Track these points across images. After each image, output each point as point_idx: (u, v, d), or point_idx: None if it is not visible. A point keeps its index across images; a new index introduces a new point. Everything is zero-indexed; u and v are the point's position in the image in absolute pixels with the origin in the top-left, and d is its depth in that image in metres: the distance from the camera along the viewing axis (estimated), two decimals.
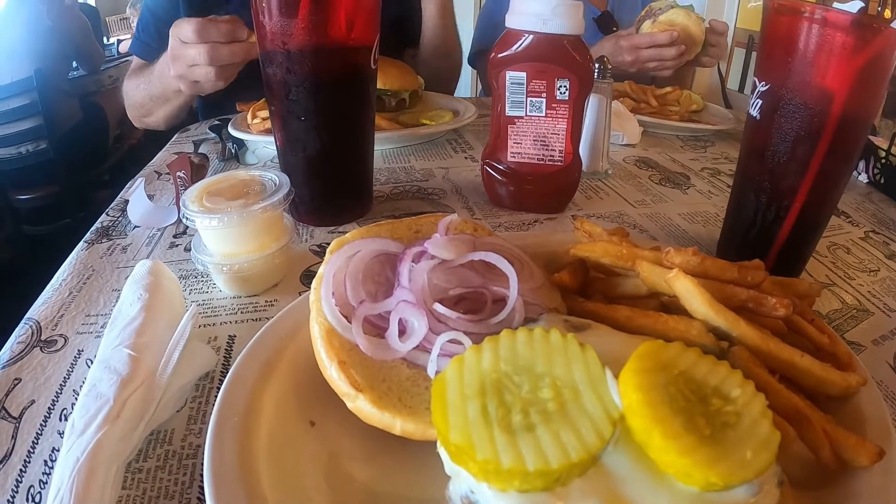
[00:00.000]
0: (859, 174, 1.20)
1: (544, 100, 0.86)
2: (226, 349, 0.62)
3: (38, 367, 0.59)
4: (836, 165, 0.66)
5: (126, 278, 0.64)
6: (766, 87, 0.67)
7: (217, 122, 1.34)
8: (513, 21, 0.84)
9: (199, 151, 1.23)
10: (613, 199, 1.05)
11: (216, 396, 0.47)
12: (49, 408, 0.54)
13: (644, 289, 0.53)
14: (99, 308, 0.69)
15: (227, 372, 0.50)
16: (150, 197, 0.99)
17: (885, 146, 1.13)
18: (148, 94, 1.44)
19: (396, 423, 0.43)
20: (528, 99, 0.87)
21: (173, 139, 1.40)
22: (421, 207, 0.98)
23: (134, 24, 5.53)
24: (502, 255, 0.52)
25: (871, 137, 1.16)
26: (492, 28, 1.96)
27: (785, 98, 0.65)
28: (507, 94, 0.87)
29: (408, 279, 0.50)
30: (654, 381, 0.35)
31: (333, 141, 0.83)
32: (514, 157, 0.92)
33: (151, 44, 1.52)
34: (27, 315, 0.68)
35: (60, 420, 0.53)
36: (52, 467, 0.48)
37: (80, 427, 0.45)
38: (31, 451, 0.50)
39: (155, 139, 1.58)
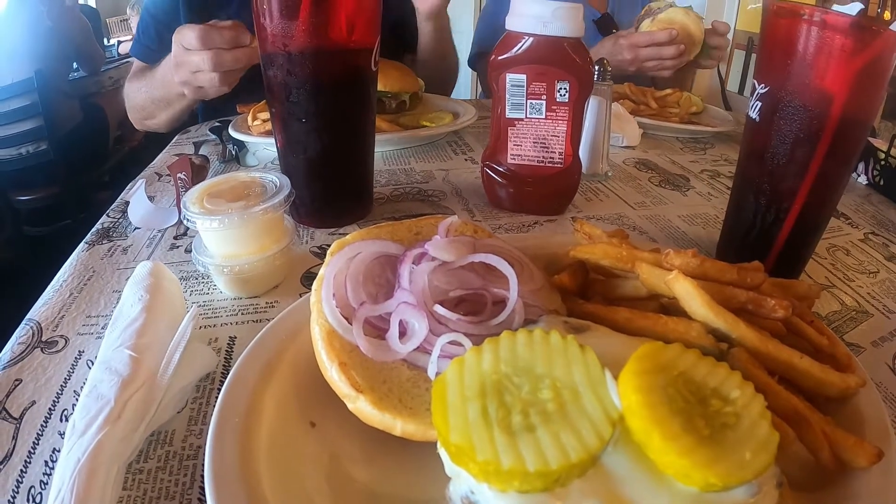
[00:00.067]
0: (859, 176, 1.20)
1: (544, 102, 0.87)
2: (226, 350, 0.62)
3: (38, 368, 0.59)
4: (835, 167, 0.67)
5: (127, 279, 0.64)
6: (766, 89, 0.67)
7: (217, 124, 1.34)
8: (513, 23, 0.85)
9: (200, 153, 1.23)
10: (613, 201, 1.05)
11: (217, 397, 0.47)
12: (50, 409, 0.54)
13: (644, 290, 0.53)
14: (100, 309, 0.69)
15: (228, 373, 0.50)
16: (151, 198, 0.99)
17: (884, 148, 1.13)
18: (150, 97, 1.45)
19: (397, 424, 0.43)
20: (528, 101, 0.87)
21: (174, 141, 1.40)
22: (421, 209, 0.98)
23: (134, 26, 5.55)
24: (502, 257, 0.52)
25: (870, 139, 1.16)
26: (492, 30, 1.96)
27: (784, 100, 0.65)
28: (507, 96, 0.88)
29: (408, 281, 0.50)
30: (654, 383, 0.35)
31: (334, 143, 0.84)
32: (514, 159, 0.92)
33: (151, 46, 1.53)
34: (28, 316, 0.68)
35: (61, 421, 0.53)
36: (52, 468, 0.48)
37: (80, 428, 0.45)
38: (32, 451, 0.50)
39: (155, 141, 1.58)
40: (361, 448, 0.47)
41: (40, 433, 0.52)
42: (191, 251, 0.71)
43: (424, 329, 0.47)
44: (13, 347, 0.62)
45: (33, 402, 0.55)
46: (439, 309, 0.48)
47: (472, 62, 2.17)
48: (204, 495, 0.41)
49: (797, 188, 0.67)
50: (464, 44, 1.91)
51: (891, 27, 0.59)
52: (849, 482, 0.42)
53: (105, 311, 0.69)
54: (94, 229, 0.90)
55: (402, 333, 0.48)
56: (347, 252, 0.52)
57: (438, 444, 0.37)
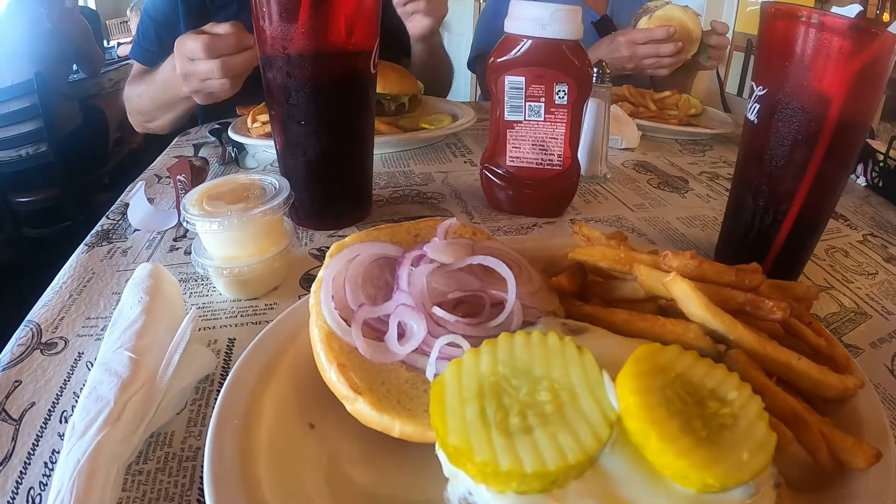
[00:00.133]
0: (857, 177, 1.20)
1: (543, 104, 0.87)
2: (226, 352, 0.63)
3: (38, 370, 0.59)
4: (833, 169, 0.67)
5: (126, 281, 0.65)
6: (764, 91, 0.67)
7: (217, 126, 1.34)
8: (511, 26, 0.85)
9: (200, 155, 1.24)
10: (612, 203, 1.05)
11: (216, 399, 0.47)
12: (49, 410, 0.54)
13: (642, 292, 0.54)
14: (99, 311, 0.69)
15: (227, 375, 0.50)
16: (151, 200, 0.99)
17: (883, 149, 1.13)
18: (152, 101, 1.45)
19: (395, 426, 0.43)
20: (527, 103, 0.87)
21: (173, 143, 1.40)
22: (420, 211, 0.99)
23: (134, 28, 5.55)
24: (501, 259, 0.52)
25: (869, 141, 1.16)
26: (491, 33, 1.96)
27: (782, 102, 0.65)
28: (505, 98, 0.88)
29: (407, 283, 0.50)
30: (651, 384, 0.35)
31: (333, 145, 0.84)
32: (512, 161, 0.93)
33: (151, 49, 1.53)
34: (27, 317, 0.68)
35: (61, 422, 0.53)
36: (52, 469, 0.48)
37: (80, 429, 0.45)
38: (32, 452, 0.50)
39: (155, 143, 1.59)
40: (360, 449, 0.47)
41: (40, 434, 0.52)
42: (190, 253, 0.71)
43: (423, 331, 0.47)
44: (13, 349, 0.62)
45: (33, 404, 0.55)
46: (438, 311, 0.48)
47: (471, 64, 2.18)
48: (203, 496, 0.41)
49: (795, 190, 0.67)
50: (463, 46, 1.91)
51: (888, 29, 0.59)
52: (847, 483, 0.42)
53: (105, 312, 0.69)
54: (93, 231, 0.90)
55: (401, 335, 0.48)
56: (346, 254, 0.52)
57: (437, 446, 0.37)
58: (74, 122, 3.54)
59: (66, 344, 0.64)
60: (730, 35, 1.70)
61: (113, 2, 6.27)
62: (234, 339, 0.64)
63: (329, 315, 0.48)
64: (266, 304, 0.71)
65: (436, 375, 0.44)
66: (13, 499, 0.46)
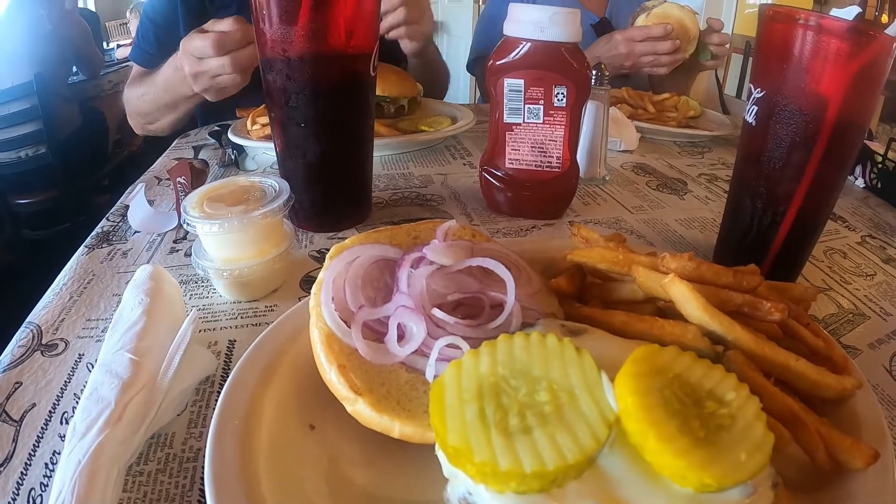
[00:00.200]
0: (856, 179, 1.21)
1: (542, 107, 0.87)
2: (226, 354, 0.63)
3: (38, 371, 0.60)
4: (831, 171, 0.67)
5: (126, 283, 0.65)
6: (762, 93, 0.67)
7: (217, 128, 1.34)
8: (511, 29, 0.85)
9: (199, 157, 1.24)
10: (611, 205, 1.05)
11: (216, 400, 0.47)
12: (50, 411, 0.55)
13: (640, 294, 0.54)
14: (99, 312, 0.70)
15: (228, 376, 0.50)
16: (151, 202, 1.00)
17: (881, 151, 1.14)
18: (153, 102, 1.45)
19: (395, 427, 0.43)
20: (526, 106, 0.87)
21: (173, 145, 1.40)
22: (419, 214, 0.99)
23: (133, 30, 5.56)
24: (500, 261, 0.52)
25: (867, 142, 1.16)
26: (490, 35, 1.97)
27: (780, 104, 0.65)
28: (504, 101, 0.88)
29: (406, 285, 0.50)
30: (650, 385, 0.35)
31: (333, 147, 0.84)
32: (511, 163, 0.93)
33: (151, 51, 1.53)
34: (28, 319, 0.68)
35: (61, 423, 0.53)
36: (53, 470, 0.48)
37: (81, 430, 0.46)
38: (32, 454, 0.50)
39: (155, 145, 1.59)
40: (360, 450, 0.47)
41: (40, 435, 0.52)
42: (190, 255, 0.72)
43: (422, 332, 0.47)
44: (13, 350, 0.63)
45: (33, 405, 0.55)
46: (437, 312, 0.48)
47: (471, 67, 2.18)
48: (204, 497, 0.42)
49: (793, 191, 0.67)
50: (462, 48, 1.92)
51: (886, 31, 0.60)
52: (845, 483, 0.42)
53: (105, 314, 0.69)
54: (93, 233, 0.90)
55: (401, 337, 0.48)
56: (346, 256, 0.52)
57: (436, 446, 0.38)
58: (74, 124, 3.54)
59: (66, 345, 0.64)
60: (728, 35, 1.71)
61: (112, 4, 6.28)
62: (235, 341, 0.65)
63: (329, 317, 0.48)
64: (266, 306, 0.71)
65: (435, 376, 0.45)
66: (14, 499, 0.46)
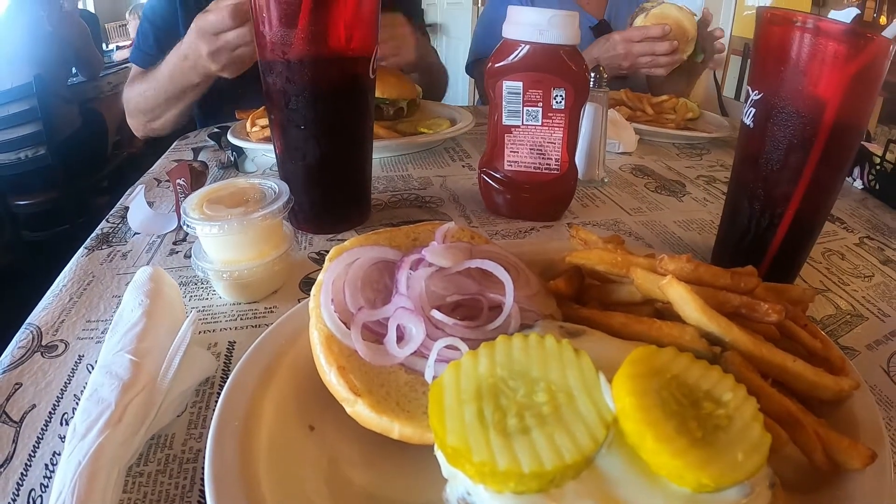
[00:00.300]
0: (854, 180, 1.21)
1: (540, 109, 0.87)
2: (226, 355, 0.63)
3: (38, 372, 0.60)
4: (829, 173, 0.67)
5: (126, 284, 0.65)
6: (760, 95, 0.68)
7: (216, 130, 1.34)
8: (509, 31, 0.85)
9: (199, 159, 1.24)
10: (609, 207, 1.06)
11: (216, 401, 0.48)
12: (50, 412, 0.55)
13: (638, 295, 0.54)
14: (99, 314, 0.70)
15: (228, 377, 0.50)
16: (150, 204, 1.00)
17: (879, 153, 1.14)
18: (157, 97, 1.44)
19: (394, 428, 0.44)
20: (525, 108, 0.88)
21: (173, 146, 1.40)
22: (419, 215, 0.99)
23: (132, 31, 5.57)
24: (499, 263, 0.53)
25: (865, 144, 1.17)
26: (489, 37, 1.97)
27: (778, 106, 0.65)
28: (503, 103, 0.88)
29: (406, 286, 0.50)
30: (647, 386, 0.36)
31: (332, 150, 0.84)
32: (510, 165, 0.93)
33: (151, 52, 1.53)
34: (28, 320, 0.68)
35: (61, 424, 0.53)
36: (53, 471, 0.48)
37: (81, 431, 0.46)
38: (32, 455, 0.50)
39: (154, 146, 1.59)
40: (360, 451, 0.47)
41: (40, 437, 0.52)
42: (190, 257, 0.72)
43: (422, 334, 0.47)
44: (13, 351, 0.63)
45: (33, 406, 0.55)
46: (436, 314, 0.48)
47: (470, 69, 2.18)
48: (204, 498, 0.42)
49: (791, 193, 0.68)
50: (461, 50, 1.92)
51: (882, 33, 0.60)
52: (842, 484, 0.42)
53: (105, 315, 0.69)
54: (93, 234, 0.90)
55: (400, 338, 0.48)
56: (346, 258, 0.53)
57: (435, 447, 0.38)
58: (73, 126, 3.54)
59: (66, 347, 0.64)
60: (727, 39, 1.71)
61: (112, 5, 6.29)
62: (234, 342, 0.65)
63: (329, 318, 0.49)
64: (266, 308, 0.71)
65: (434, 377, 0.45)
66: (14, 500, 0.46)
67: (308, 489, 0.44)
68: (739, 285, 0.50)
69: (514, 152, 0.92)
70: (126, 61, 4.48)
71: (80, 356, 0.62)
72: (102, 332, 0.65)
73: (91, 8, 6.02)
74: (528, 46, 0.84)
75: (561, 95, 0.85)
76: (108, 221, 0.95)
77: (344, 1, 0.75)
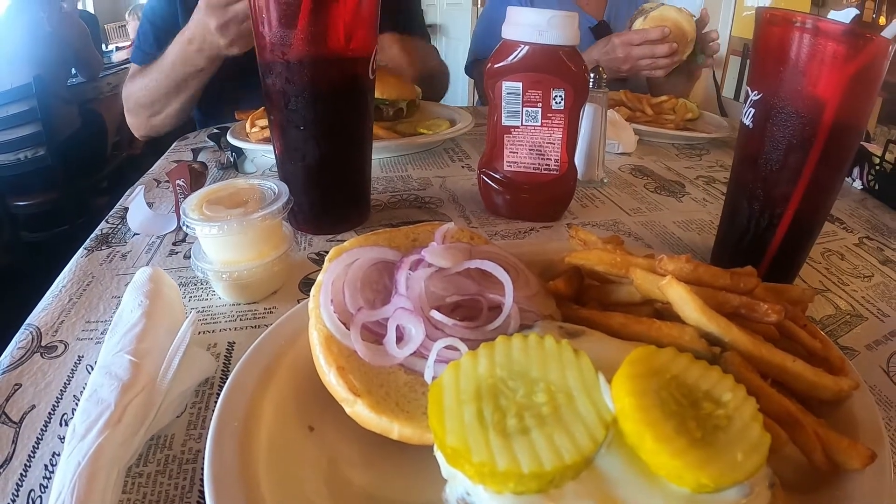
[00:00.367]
0: (854, 181, 1.21)
1: (540, 109, 0.87)
2: (225, 355, 0.63)
3: (38, 373, 0.60)
4: (828, 173, 0.67)
5: (126, 285, 0.65)
6: (759, 96, 0.68)
7: (216, 131, 1.35)
8: (509, 32, 0.85)
9: (199, 160, 1.24)
10: (609, 208, 1.06)
11: (216, 402, 0.48)
12: (49, 413, 0.55)
13: (638, 296, 0.54)
14: (99, 314, 0.70)
15: (227, 378, 0.50)
16: (150, 205, 1.00)
17: (879, 153, 1.14)
18: (159, 88, 1.44)
19: (394, 428, 0.44)
20: (524, 109, 0.88)
21: (172, 147, 1.40)
22: (418, 216, 0.99)
23: (132, 32, 5.57)
24: (498, 264, 0.53)
25: (865, 144, 1.17)
26: (488, 38, 1.97)
27: (777, 107, 0.65)
28: (503, 103, 0.88)
29: (405, 287, 0.50)
30: (647, 386, 0.36)
31: (332, 150, 0.84)
32: (510, 166, 0.93)
33: (151, 52, 1.53)
34: (27, 321, 0.68)
35: (61, 425, 0.53)
36: (52, 472, 0.48)
37: (81, 432, 0.46)
38: (32, 455, 0.50)
39: (154, 147, 1.59)
40: (359, 451, 0.47)
41: (40, 437, 0.52)
42: (190, 257, 0.72)
43: (421, 334, 0.47)
44: (13, 352, 0.63)
45: (33, 407, 0.55)
46: (436, 314, 0.48)
47: (469, 70, 2.19)
48: (203, 499, 0.42)
49: (790, 194, 0.68)
50: (461, 51, 1.92)
51: (881, 33, 0.60)
52: (842, 484, 0.42)
53: (104, 316, 0.69)
54: (93, 235, 0.90)
55: (400, 338, 0.48)
56: (345, 258, 0.53)
57: (435, 447, 0.38)
58: (73, 126, 3.54)
59: (66, 347, 0.64)
60: (726, 40, 1.72)
61: (111, 6, 6.29)
62: (234, 343, 0.65)
63: (328, 319, 0.49)
64: (265, 308, 0.71)
65: (434, 378, 0.45)
66: (13, 501, 0.46)
67: (308, 489, 0.44)
68: (739, 285, 0.50)
69: (514, 153, 0.92)
70: (126, 62, 4.48)
71: (79, 357, 0.62)
72: (102, 333, 0.65)
73: (90, 9, 6.02)
74: (527, 47, 0.84)
75: (560, 96, 0.86)
76: (107, 222, 0.95)
77: (343, 1, 0.75)
